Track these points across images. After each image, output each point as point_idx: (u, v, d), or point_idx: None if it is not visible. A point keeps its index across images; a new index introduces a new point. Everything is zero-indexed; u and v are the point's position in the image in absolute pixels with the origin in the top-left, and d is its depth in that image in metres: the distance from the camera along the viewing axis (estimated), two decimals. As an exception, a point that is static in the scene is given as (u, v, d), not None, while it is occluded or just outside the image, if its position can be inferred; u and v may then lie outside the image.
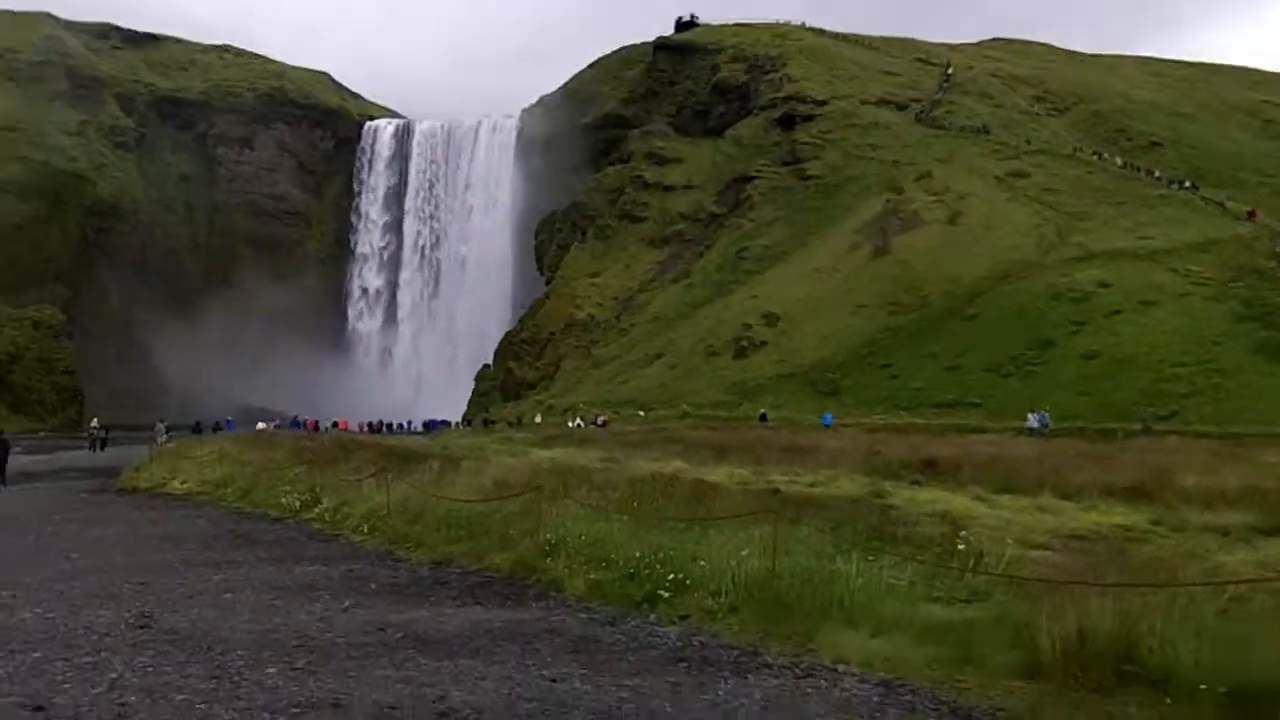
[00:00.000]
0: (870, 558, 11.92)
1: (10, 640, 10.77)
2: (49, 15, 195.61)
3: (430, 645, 10.48)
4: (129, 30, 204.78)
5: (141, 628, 11.34)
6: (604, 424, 71.89)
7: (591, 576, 13.13)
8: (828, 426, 60.11)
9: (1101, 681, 8.62)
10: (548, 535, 14.53)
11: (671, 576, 12.17)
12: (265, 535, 20.03)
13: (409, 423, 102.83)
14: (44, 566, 16.18)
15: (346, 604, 12.63)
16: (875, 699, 8.75)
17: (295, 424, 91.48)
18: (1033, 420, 54.58)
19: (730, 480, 26.15)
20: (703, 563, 12.28)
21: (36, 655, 10.11)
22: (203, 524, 22.30)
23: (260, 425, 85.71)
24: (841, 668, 9.61)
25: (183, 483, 30.40)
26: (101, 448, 66.59)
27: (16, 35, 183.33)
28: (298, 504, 23.07)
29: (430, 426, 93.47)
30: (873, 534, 14.45)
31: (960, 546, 13.07)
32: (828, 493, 24.25)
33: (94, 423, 73.53)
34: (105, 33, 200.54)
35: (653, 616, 11.73)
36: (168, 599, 13.05)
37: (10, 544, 19.57)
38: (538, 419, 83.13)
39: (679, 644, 10.61)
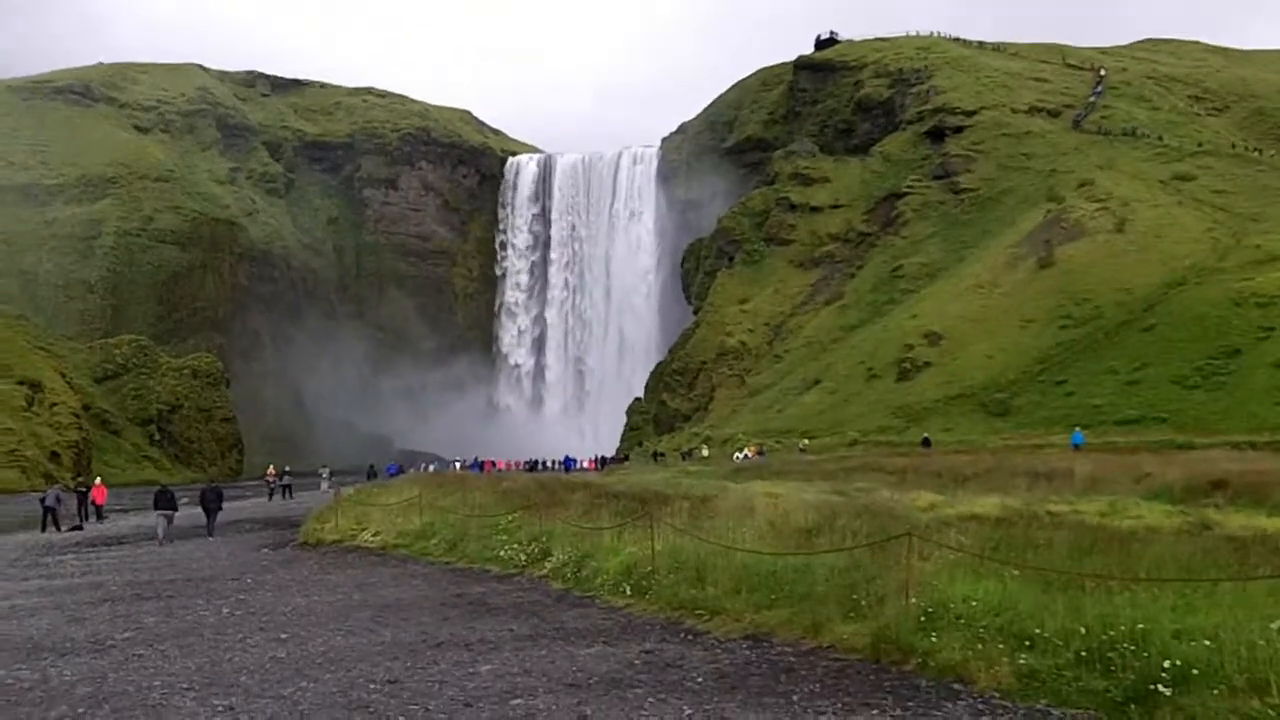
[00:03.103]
0: None
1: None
2: (199, 66, 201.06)
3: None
4: (275, 77, 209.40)
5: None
6: (755, 455, 69.05)
7: (1020, 661, 9.52)
8: (1078, 446, 55.50)
9: None
10: (915, 599, 10.89)
11: (1168, 664, 8.47)
12: (502, 600, 16.71)
13: (565, 460, 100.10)
14: (253, 654, 13.08)
15: (687, 712, 9.24)
16: None
17: (475, 465, 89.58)
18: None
19: (1004, 511, 22.37)
20: (1205, 641, 8.56)
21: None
22: (419, 586, 19.04)
23: (456, 463, 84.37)
24: None
25: (375, 534, 27.26)
26: (288, 495, 64.03)
27: (169, 87, 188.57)
28: (523, 558, 19.75)
29: (568, 465, 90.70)
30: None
31: None
32: (1135, 524, 20.20)
33: (271, 469, 70.23)
34: (252, 81, 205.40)
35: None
36: (440, 711, 9.80)
37: (204, 616, 16.65)
38: (705, 452, 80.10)
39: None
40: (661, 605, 14.56)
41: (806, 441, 74.85)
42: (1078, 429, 61.59)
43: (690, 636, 12.90)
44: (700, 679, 10.59)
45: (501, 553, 20.75)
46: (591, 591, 16.58)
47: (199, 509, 37.74)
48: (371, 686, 10.88)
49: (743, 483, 37.47)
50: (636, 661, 11.46)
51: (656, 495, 22.91)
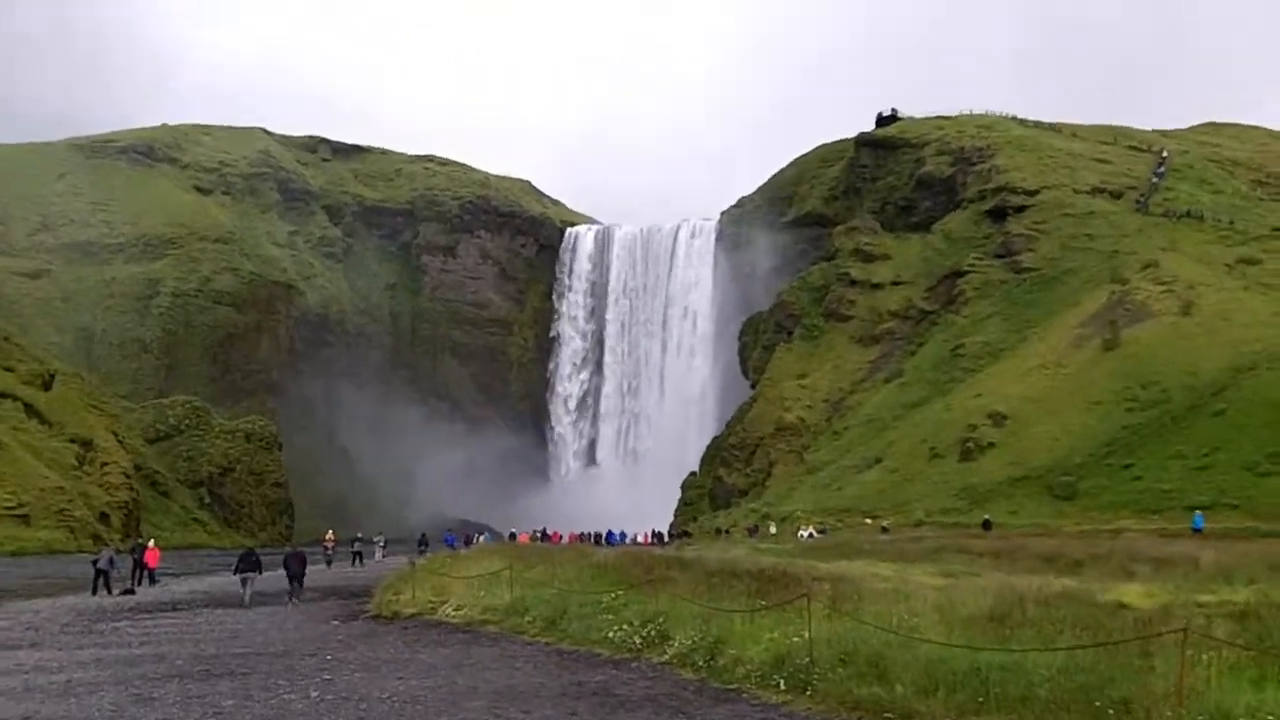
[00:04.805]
0: None
1: None
2: (263, 130, 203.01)
3: None
4: (337, 143, 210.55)
5: None
6: (818, 533, 67.18)
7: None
8: (1198, 531, 53.27)
9: None
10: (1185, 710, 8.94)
11: None
12: (631, 690, 14.76)
13: (609, 534, 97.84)
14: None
15: None
16: None
17: (543, 536, 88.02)
18: None
19: (1150, 603, 20.30)
20: None
21: None
22: (527, 670, 17.13)
23: (530, 533, 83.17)
24: None
25: (458, 608, 25.31)
26: (358, 562, 61.91)
27: (232, 149, 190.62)
28: (638, 640, 17.78)
29: (610, 539, 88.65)
30: None
31: None
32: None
33: (330, 534, 66.64)
34: (314, 146, 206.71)
35: None
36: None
37: (289, 700, 14.79)
38: (773, 529, 78.22)
39: None
40: (831, 704, 12.49)
41: (886, 521, 73.02)
42: (1198, 512, 58.93)
43: (885, 747, 10.82)
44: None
45: (610, 633, 18.77)
46: (734, 683, 14.57)
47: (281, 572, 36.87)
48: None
49: (830, 562, 35.39)
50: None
51: (784, 574, 20.85)
